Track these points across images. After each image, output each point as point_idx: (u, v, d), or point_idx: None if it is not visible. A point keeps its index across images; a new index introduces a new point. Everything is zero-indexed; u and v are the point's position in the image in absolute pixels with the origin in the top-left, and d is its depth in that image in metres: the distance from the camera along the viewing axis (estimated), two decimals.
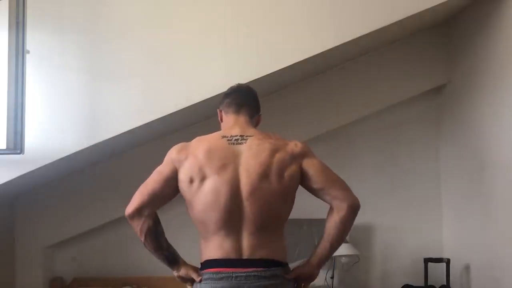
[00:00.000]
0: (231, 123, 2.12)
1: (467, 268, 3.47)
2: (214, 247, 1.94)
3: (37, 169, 2.95)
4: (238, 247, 1.93)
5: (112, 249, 3.84)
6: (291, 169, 2.00)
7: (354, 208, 2.01)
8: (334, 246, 2.07)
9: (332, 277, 3.54)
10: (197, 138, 2.07)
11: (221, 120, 2.18)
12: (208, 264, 1.94)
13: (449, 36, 3.80)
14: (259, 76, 2.95)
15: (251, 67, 2.96)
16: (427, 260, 3.59)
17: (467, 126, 3.50)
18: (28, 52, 2.80)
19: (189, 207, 1.98)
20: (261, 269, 1.92)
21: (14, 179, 2.96)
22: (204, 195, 1.93)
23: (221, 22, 3.02)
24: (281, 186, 1.97)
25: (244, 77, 2.93)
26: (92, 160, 3.51)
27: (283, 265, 1.99)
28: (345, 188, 2.04)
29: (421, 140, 3.98)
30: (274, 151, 2.00)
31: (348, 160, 3.94)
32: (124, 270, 3.75)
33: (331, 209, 2.04)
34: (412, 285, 3.58)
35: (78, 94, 2.98)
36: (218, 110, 2.19)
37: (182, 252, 2.04)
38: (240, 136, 2.03)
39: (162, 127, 3.32)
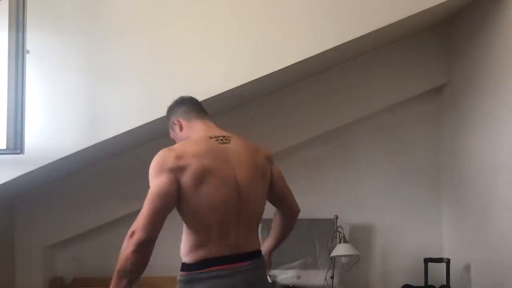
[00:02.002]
0: (202, 126, 2.15)
1: (467, 268, 3.47)
2: (218, 245, 1.97)
3: (37, 169, 2.95)
4: (237, 243, 2.01)
5: (112, 249, 3.82)
6: (268, 171, 2.17)
7: (298, 215, 2.37)
8: (280, 243, 2.42)
9: (332, 277, 3.54)
10: (184, 142, 2.08)
11: (181, 128, 2.18)
12: (212, 262, 1.95)
13: (449, 36, 3.80)
14: (259, 76, 2.95)
15: (251, 67, 2.96)
16: (427, 260, 3.59)
17: (467, 126, 3.50)
18: (28, 52, 2.80)
19: (188, 209, 1.96)
20: (253, 260, 2.05)
21: (14, 179, 2.96)
22: (209, 196, 1.95)
23: (221, 22, 3.01)
24: (263, 185, 2.14)
25: (244, 77, 2.94)
26: (92, 160, 3.51)
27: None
28: (294, 198, 2.33)
29: (421, 140, 3.98)
30: (255, 153, 2.13)
31: (348, 160, 3.95)
32: None
33: (281, 214, 2.34)
34: (412, 285, 3.58)
35: (78, 94, 2.98)
36: (174, 120, 2.20)
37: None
38: (223, 137, 2.09)
39: (162, 127, 3.31)
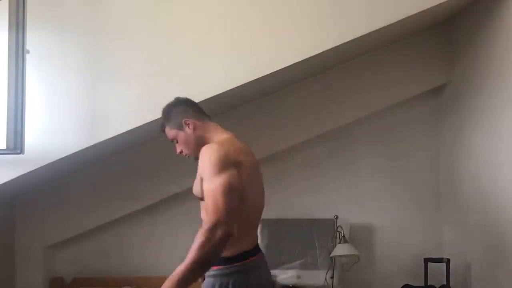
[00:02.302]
0: (216, 127, 2.20)
1: (467, 268, 3.47)
2: (250, 238, 2.10)
3: (37, 169, 2.95)
4: (256, 235, 2.18)
5: (112, 249, 3.84)
6: None
7: None
8: None
9: (332, 277, 3.54)
10: (222, 140, 2.07)
11: (195, 129, 2.14)
12: (247, 254, 2.05)
13: (449, 36, 3.79)
14: (259, 76, 2.95)
15: (251, 67, 2.96)
16: (427, 260, 3.59)
17: (467, 126, 3.50)
18: (28, 52, 2.80)
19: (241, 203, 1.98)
20: (261, 251, 2.20)
21: (14, 179, 2.96)
22: (256, 191, 2.08)
23: (221, 22, 3.01)
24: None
25: (244, 77, 2.94)
26: (92, 160, 3.51)
27: None
28: None
29: (421, 140, 3.98)
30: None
31: (348, 160, 3.95)
32: (124, 270, 3.75)
33: None
34: (412, 285, 3.58)
35: (78, 94, 2.98)
36: (185, 121, 2.15)
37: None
38: (238, 138, 2.19)
39: None
